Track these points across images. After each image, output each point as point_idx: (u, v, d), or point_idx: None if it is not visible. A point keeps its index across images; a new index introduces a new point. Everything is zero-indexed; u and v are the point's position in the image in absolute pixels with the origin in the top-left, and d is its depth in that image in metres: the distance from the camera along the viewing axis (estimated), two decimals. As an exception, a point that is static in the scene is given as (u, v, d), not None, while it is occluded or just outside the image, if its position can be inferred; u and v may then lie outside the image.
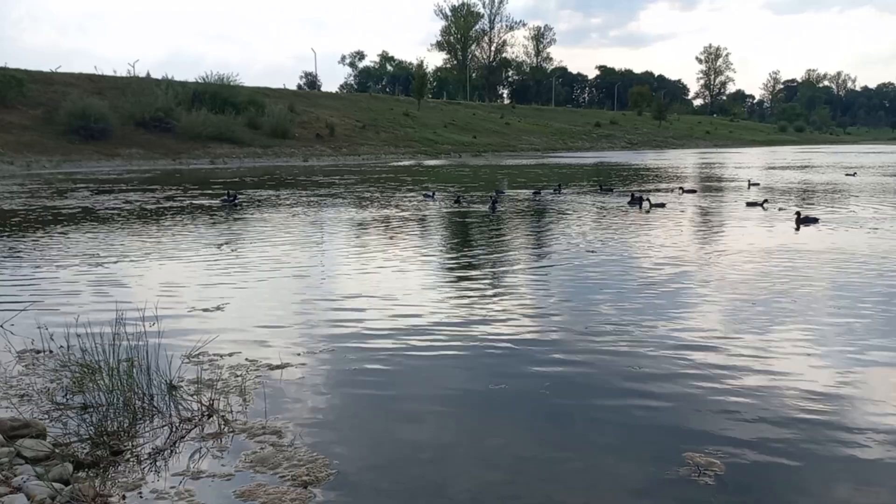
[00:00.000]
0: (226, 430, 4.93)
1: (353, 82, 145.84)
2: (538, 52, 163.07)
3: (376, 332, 7.32)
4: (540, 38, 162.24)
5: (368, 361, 6.43)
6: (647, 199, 20.06)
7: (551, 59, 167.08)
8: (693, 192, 25.17)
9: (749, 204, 19.57)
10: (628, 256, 11.89)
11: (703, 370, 6.10)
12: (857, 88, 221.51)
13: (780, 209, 19.01)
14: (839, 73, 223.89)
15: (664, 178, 35.26)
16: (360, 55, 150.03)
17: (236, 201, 21.31)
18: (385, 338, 7.13)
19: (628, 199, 21.11)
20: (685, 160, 60.29)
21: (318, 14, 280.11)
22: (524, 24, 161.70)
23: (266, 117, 62.08)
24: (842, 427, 4.94)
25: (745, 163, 53.60)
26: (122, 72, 74.15)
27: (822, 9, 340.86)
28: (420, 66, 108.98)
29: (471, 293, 9.19)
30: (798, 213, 15.83)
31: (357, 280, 10.12)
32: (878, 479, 4.23)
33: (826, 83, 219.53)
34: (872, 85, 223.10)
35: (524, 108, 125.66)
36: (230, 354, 6.53)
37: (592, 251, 12.37)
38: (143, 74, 69.75)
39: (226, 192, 23.19)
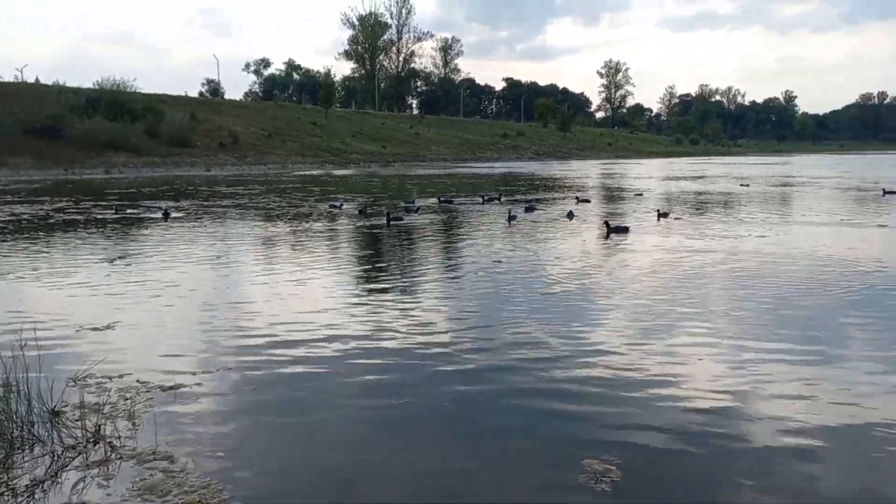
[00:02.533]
0: (113, 456, 4.67)
1: (258, 90, 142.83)
2: (446, 64, 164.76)
3: (280, 350, 7.11)
4: (448, 49, 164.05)
5: (270, 380, 6.24)
6: (535, 207, 21.27)
7: (459, 70, 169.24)
8: (587, 201, 25.85)
9: (661, 214, 20.24)
10: (533, 266, 12.08)
11: (604, 378, 6.24)
12: (746, 103, 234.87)
13: (675, 219, 19.81)
14: (730, 88, 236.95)
15: (567, 187, 36.19)
16: (266, 63, 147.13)
17: (127, 213, 20.60)
18: (289, 355, 6.94)
19: (523, 207, 22.23)
20: (589, 171, 62.13)
21: (221, 20, 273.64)
22: (432, 36, 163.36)
23: (166, 125, 59.99)
24: (735, 430, 5.13)
25: (644, 173, 55.72)
26: (8, 77, 70.07)
27: (714, 27, 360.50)
28: (328, 74, 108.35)
29: (379, 307, 9.10)
30: (607, 223, 16.45)
31: (260, 295, 9.85)
32: (772, 480, 4.42)
33: (718, 98, 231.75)
34: (760, 100, 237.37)
35: (433, 118, 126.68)
36: (120, 376, 6.20)
37: (499, 261, 12.51)
38: (31, 80, 66.13)
39: (114, 206, 22.40)
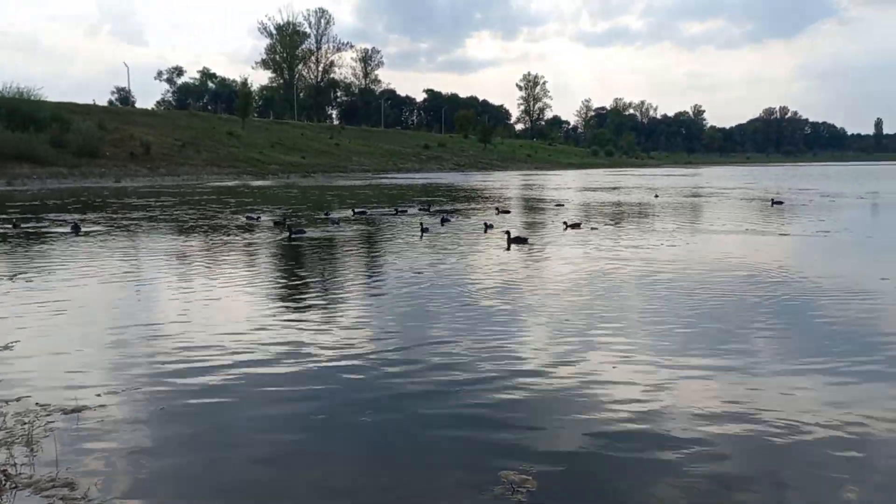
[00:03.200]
0: (7, 485, 4.39)
1: (171, 99, 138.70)
2: (366, 74, 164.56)
3: (191, 369, 6.86)
4: (368, 60, 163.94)
5: (180, 401, 6.01)
6: (448, 219, 21.64)
7: (380, 81, 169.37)
8: (507, 212, 26.20)
9: (570, 225, 20.63)
10: (454, 277, 12.12)
11: (522, 389, 6.29)
12: (658, 116, 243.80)
13: (592, 229, 20.29)
14: (643, 102, 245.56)
15: (487, 198, 36.59)
16: (179, 71, 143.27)
17: (24, 227, 19.67)
18: (201, 375, 6.69)
19: (440, 218, 22.47)
20: (509, 182, 63.05)
21: (131, 27, 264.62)
22: (352, 46, 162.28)
23: (72, 134, 57.50)
24: (650, 437, 5.26)
25: (563, 184, 56.97)
26: None
27: (627, 43, 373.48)
28: (244, 83, 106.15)
29: (296, 323, 8.92)
30: (508, 233, 16.79)
31: (172, 312, 9.50)
32: (689, 486, 4.53)
33: (632, 111, 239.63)
34: (671, 113, 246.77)
35: (353, 129, 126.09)
36: (17, 399, 5.85)
37: (419, 272, 12.49)
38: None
39: (13, 220, 21.36)
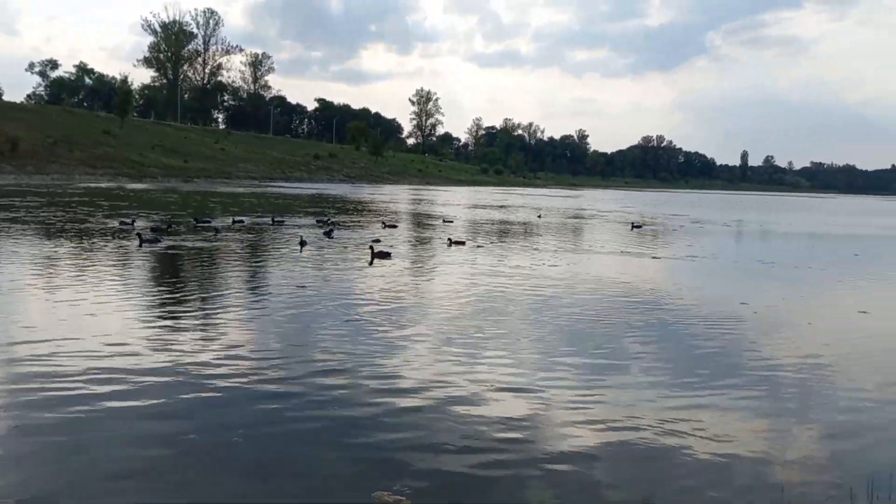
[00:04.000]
0: None
1: (43, 93, 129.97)
2: (256, 79, 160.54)
3: (56, 383, 6.38)
4: (258, 64, 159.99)
5: (41, 413, 5.56)
6: (333, 227, 21.91)
7: (270, 87, 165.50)
8: (394, 226, 26.17)
9: (454, 242, 20.80)
10: (335, 293, 11.95)
11: (401, 407, 6.26)
12: (545, 138, 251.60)
13: (477, 246, 20.59)
14: (531, 124, 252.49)
15: (376, 212, 36.47)
16: (53, 64, 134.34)
17: None
18: (67, 389, 6.25)
19: (323, 230, 22.58)
20: (399, 195, 63.14)
21: (3, 15, 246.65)
22: (241, 50, 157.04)
23: (-73, 125, 52.67)
24: (530, 451, 5.34)
25: (452, 200, 57.64)
26: None
27: (517, 66, 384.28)
28: (125, 81, 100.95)
29: (172, 335, 8.49)
30: (371, 248, 16.98)
31: (35, 322, 8.83)
32: (562, 497, 4.61)
33: (520, 132, 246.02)
34: (557, 136, 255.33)
35: (241, 134, 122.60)
36: None
37: (303, 286, 12.23)
38: None
39: None
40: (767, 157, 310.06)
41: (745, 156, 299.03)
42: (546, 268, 16.15)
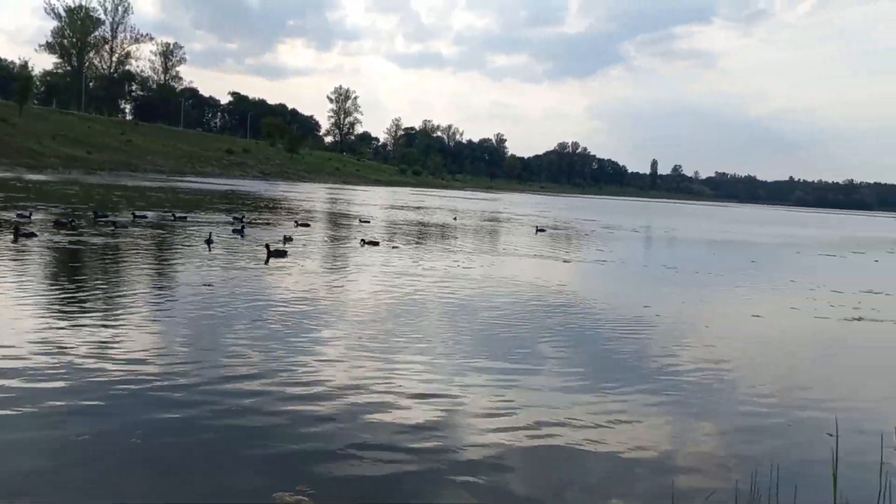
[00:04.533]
0: None
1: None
2: (167, 70, 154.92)
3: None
4: (169, 55, 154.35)
5: None
6: (244, 225, 21.81)
7: (181, 78, 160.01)
8: (307, 225, 25.76)
9: (367, 243, 20.64)
10: (244, 291, 11.67)
11: (307, 409, 6.16)
12: (464, 141, 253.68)
13: (393, 247, 20.53)
14: (450, 126, 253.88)
15: (289, 210, 35.85)
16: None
17: None
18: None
19: (233, 227, 22.11)
20: (316, 194, 62.30)
21: None
22: (152, 38, 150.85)
23: None
24: (439, 452, 5.34)
25: (370, 200, 57.31)
26: None
27: (438, 67, 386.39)
28: (25, 66, 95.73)
29: (71, 336, 8.07)
30: (268, 246, 16.81)
31: None
32: (471, 493, 4.62)
33: (439, 134, 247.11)
34: (476, 139, 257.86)
35: (149, 126, 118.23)
36: None
37: (209, 284, 11.88)
38: None
39: None
40: (676, 166, 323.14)
41: (654, 164, 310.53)
42: (461, 269, 16.26)
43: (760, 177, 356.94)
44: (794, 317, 12.91)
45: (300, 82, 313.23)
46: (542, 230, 32.34)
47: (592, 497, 4.80)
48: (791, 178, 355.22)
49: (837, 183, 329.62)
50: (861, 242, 41.21)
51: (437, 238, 25.53)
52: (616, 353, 9.01)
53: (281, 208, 37.01)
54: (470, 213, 46.57)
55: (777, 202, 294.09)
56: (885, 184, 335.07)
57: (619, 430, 6.05)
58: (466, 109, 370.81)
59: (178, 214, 24.96)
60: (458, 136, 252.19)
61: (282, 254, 16.29)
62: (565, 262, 20.12)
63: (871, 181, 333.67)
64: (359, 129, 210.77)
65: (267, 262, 15.28)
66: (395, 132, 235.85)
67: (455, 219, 38.31)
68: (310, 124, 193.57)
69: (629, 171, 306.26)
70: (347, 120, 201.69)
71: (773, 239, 40.35)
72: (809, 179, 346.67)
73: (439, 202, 64.50)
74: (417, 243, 22.73)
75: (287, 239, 19.79)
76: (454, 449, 5.41)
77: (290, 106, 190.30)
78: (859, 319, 12.66)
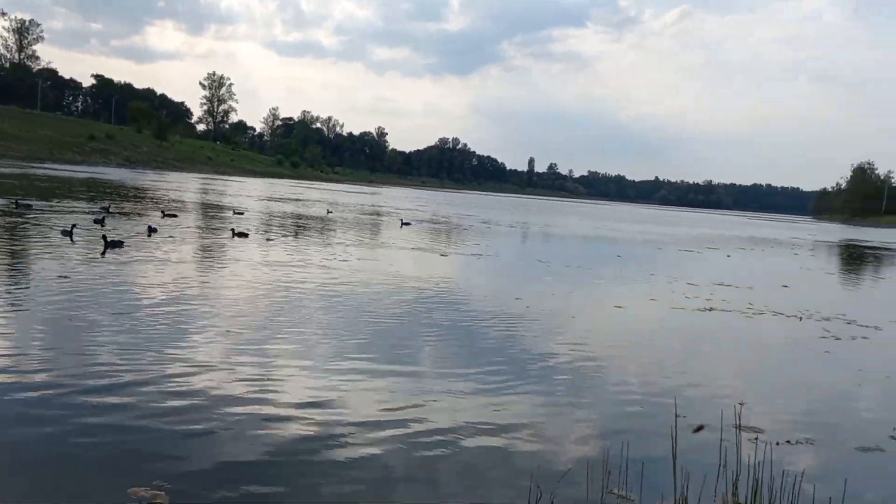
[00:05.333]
0: None
1: None
2: (21, 48, 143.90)
3: None
4: (24, 32, 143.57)
5: None
6: (105, 214, 21.01)
7: (38, 58, 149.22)
8: (174, 216, 24.61)
9: (237, 234, 20.00)
10: (107, 284, 11.03)
11: (168, 404, 5.91)
12: (344, 133, 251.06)
13: (268, 240, 20.03)
14: (330, 118, 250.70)
15: (157, 200, 34.19)
16: None
17: None
18: None
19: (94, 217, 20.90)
20: (187, 184, 59.76)
21: None
22: (4, 14, 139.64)
23: None
24: (318, 454, 5.21)
25: (245, 191, 55.60)
26: None
27: (318, 57, 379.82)
28: None
29: None
30: (104, 237, 16.27)
31: None
32: (359, 482, 4.57)
33: (319, 125, 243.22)
34: (356, 132, 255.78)
35: (1, 108, 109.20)
36: None
37: (65, 276, 11.14)
38: None
39: None
40: (551, 164, 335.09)
41: (531, 162, 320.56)
42: (337, 263, 16.09)
43: (629, 176, 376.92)
44: (653, 307, 13.69)
45: (170, 67, 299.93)
46: (408, 223, 32.30)
47: (467, 489, 4.82)
48: (657, 178, 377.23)
49: (698, 183, 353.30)
50: (715, 239, 44.24)
51: (313, 231, 25.15)
52: (489, 346, 9.19)
53: (147, 198, 35.22)
54: (349, 207, 46.18)
55: (644, 201, 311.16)
56: (739, 185, 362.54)
57: (495, 422, 6.11)
58: (347, 101, 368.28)
59: (21, 202, 22.88)
60: (338, 129, 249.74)
61: (118, 244, 15.34)
62: (442, 255, 20.36)
63: (728, 182, 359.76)
64: (234, 118, 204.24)
65: (103, 254, 14.32)
66: (273, 122, 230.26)
67: (329, 212, 37.60)
68: (181, 111, 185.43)
69: (508, 168, 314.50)
70: (221, 108, 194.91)
71: (639, 236, 42.57)
72: (673, 180, 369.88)
73: (318, 195, 63.53)
74: (292, 235, 22.30)
75: (151, 230, 18.83)
76: (331, 448, 5.30)
77: (158, 91, 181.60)
78: (710, 310, 13.58)
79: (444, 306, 11.64)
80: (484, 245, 25.33)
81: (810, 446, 6.08)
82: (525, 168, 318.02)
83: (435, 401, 6.54)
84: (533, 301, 12.97)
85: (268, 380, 6.74)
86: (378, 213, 41.36)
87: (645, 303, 14.20)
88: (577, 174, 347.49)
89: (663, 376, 8.22)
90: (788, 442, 6.11)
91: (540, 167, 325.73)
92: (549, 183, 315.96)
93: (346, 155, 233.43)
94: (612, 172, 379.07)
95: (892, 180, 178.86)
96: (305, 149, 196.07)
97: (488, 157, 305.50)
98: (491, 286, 15.16)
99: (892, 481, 5.55)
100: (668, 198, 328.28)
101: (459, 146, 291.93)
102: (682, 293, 15.64)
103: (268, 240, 19.95)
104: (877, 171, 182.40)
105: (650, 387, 7.67)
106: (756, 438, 5.90)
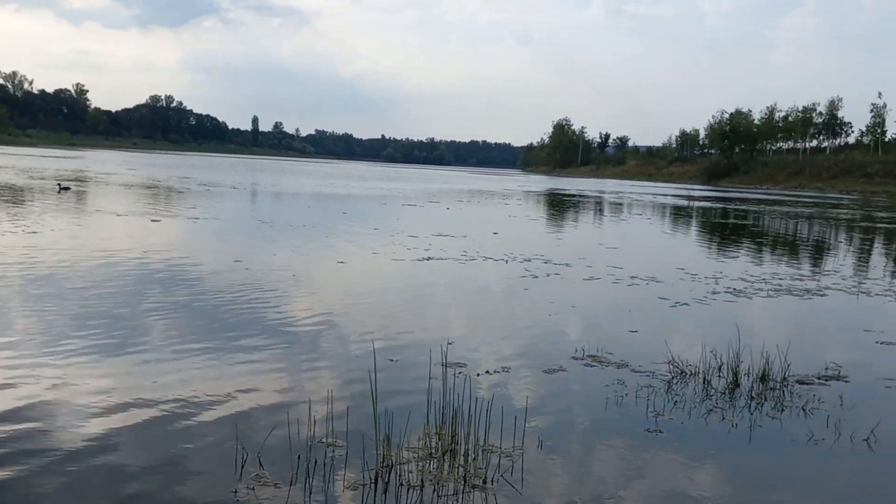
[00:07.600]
0: None
1: None
2: None
3: None
4: None
5: None
6: None
7: None
8: None
9: None
10: None
11: None
12: (35, 91, 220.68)
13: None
14: (15, 73, 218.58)
15: None
16: None
17: None
18: None
19: None
20: None
21: None
22: None
23: None
24: (38, 438, 4.65)
25: None
26: None
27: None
28: None
29: None
30: None
31: None
32: (77, 484, 4.00)
33: (2, 82, 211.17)
34: (50, 90, 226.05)
35: None
36: None
37: None
38: None
39: None
40: (277, 123, 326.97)
41: (255, 121, 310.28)
42: (26, 235, 14.17)
43: (356, 135, 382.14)
44: (374, 260, 14.08)
45: None
46: (66, 188, 28.91)
47: (212, 464, 4.51)
48: (383, 136, 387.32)
49: (422, 141, 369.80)
50: (436, 193, 46.71)
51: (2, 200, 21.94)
52: (212, 312, 8.68)
53: None
54: (42, 172, 40.97)
55: (372, 158, 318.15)
56: (459, 141, 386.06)
57: (234, 391, 5.80)
58: (38, 55, 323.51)
59: None
60: (26, 86, 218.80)
61: None
62: (154, 221, 18.94)
63: (448, 140, 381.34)
64: None
65: None
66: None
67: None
68: None
69: (231, 127, 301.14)
70: None
71: (365, 192, 43.46)
72: (399, 138, 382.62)
73: (8, 161, 55.45)
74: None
75: None
76: (54, 440, 4.66)
77: None
78: (428, 259, 14.31)
79: (158, 277, 10.81)
80: (201, 208, 24.06)
81: (505, 374, 6.69)
82: (249, 127, 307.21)
83: (167, 380, 6.02)
84: (253, 263, 12.60)
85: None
86: (85, 179, 37.19)
87: (367, 256, 14.55)
88: (304, 133, 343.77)
89: (377, 326, 8.47)
90: (487, 372, 6.66)
91: (265, 126, 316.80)
92: (276, 142, 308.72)
93: (39, 115, 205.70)
94: (340, 131, 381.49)
95: (585, 135, 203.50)
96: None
97: (207, 115, 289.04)
98: (209, 250, 14.42)
99: (570, 395, 6.31)
100: (394, 155, 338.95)
101: (174, 104, 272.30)
102: (404, 245, 16.27)
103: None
104: (573, 128, 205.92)
105: (363, 337, 7.78)
106: (459, 373, 6.33)
